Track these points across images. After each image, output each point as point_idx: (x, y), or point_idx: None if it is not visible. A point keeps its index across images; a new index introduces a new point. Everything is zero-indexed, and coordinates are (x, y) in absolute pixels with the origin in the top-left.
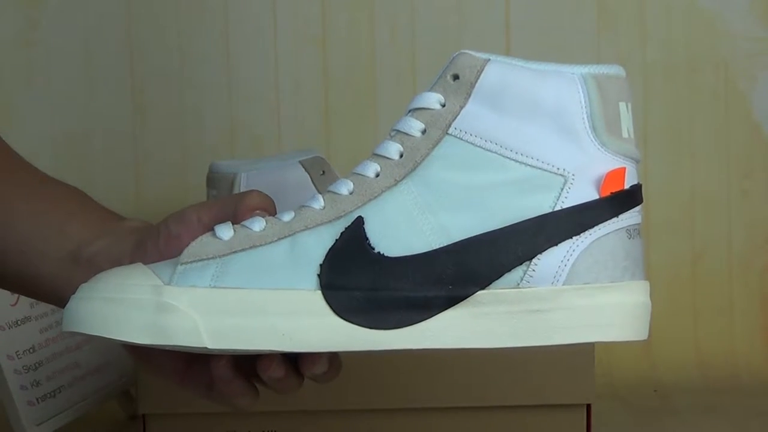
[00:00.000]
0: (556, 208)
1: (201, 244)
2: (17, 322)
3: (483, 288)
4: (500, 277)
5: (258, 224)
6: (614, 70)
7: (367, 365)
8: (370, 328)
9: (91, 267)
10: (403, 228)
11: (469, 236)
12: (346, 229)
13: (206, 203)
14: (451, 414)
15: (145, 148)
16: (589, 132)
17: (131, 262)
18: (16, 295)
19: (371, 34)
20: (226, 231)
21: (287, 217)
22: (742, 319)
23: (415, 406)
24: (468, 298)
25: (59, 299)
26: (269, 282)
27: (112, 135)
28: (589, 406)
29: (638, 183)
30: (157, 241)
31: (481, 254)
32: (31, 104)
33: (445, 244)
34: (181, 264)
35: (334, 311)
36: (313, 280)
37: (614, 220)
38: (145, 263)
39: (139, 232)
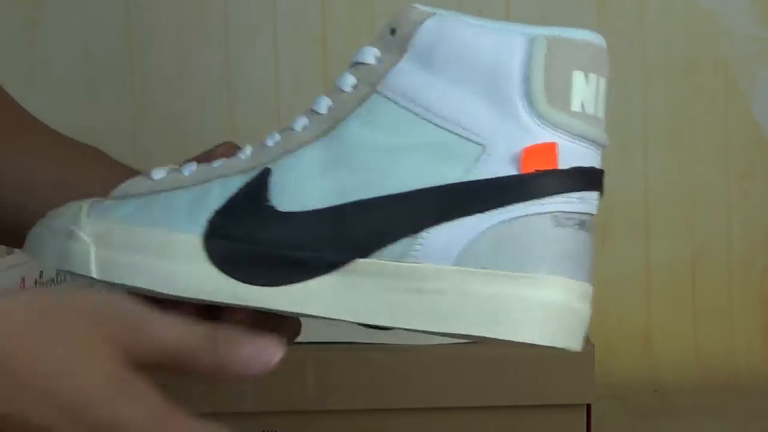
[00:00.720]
0: (464, 180)
1: (133, 182)
2: None
3: (363, 256)
4: (381, 247)
5: (189, 169)
6: (581, 35)
7: (367, 365)
8: (242, 282)
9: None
10: (305, 185)
11: (360, 199)
12: (252, 179)
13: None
14: (451, 414)
15: (145, 148)
16: (522, 99)
17: None
18: None
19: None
20: (158, 172)
21: (217, 163)
22: (742, 319)
23: (415, 406)
24: (346, 265)
25: None
26: (162, 222)
27: (112, 135)
28: (589, 406)
29: (588, 167)
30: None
31: (367, 220)
32: (30, 104)
33: (335, 204)
34: (111, 198)
35: (211, 259)
36: (201, 226)
37: (535, 202)
38: None
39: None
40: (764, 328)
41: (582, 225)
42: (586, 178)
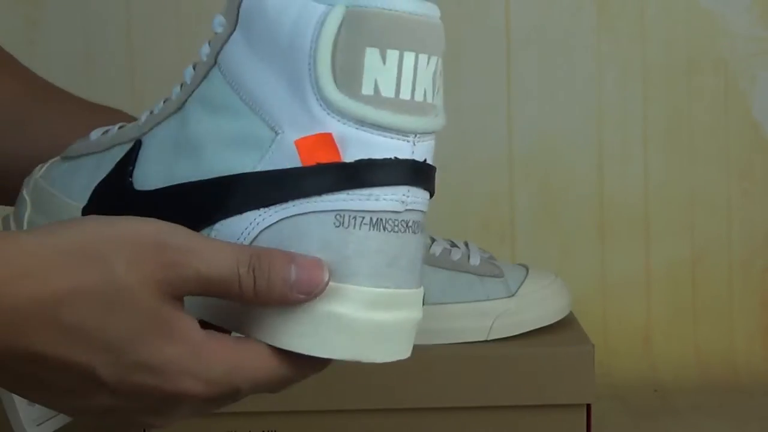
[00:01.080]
0: (256, 169)
1: (77, 143)
2: None
3: None
4: None
5: (114, 128)
6: (386, 3)
7: (366, 365)
8: None
9: None
10: (152, 162)
11: (170, 185)
12: (128, 151)
13: None
14: (451, 414)
15: None
16: (311, 81)
17: None
18: None
19: None
20: (95, 133)
21: (120, 128)
22: (742, 319)
23: (415, 406)
24: None
25: None
26: (67, 188)
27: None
28: (589, 406)
29: (382, 159)
30: None
31: (178, 207)
32: None
33: (162, 186)
34: (62, 157)
35: None
36: (86, 199)
37: (313, 199)
38: None
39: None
40: (764, 328)
41: (379, 225)
42: (379, 172)
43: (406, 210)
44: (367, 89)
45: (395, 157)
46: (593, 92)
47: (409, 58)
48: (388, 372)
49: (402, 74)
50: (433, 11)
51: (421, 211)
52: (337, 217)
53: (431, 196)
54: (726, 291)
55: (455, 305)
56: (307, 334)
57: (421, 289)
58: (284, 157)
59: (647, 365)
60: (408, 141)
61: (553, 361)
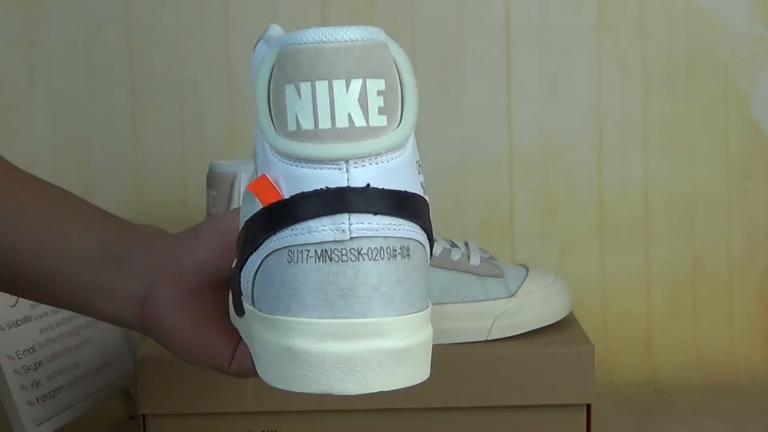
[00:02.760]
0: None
1: None
2: (17, 322)
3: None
4: None
5: None
6: (294, 39)
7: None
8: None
9: (120, 265)
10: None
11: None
12: None
13: (228, 213)
14: (451, 414)
15: (144, 148)
16: (264, 127)
17: (170, 266)
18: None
19: None
20: None
21: None
22: (742, 320)
23: (415, 406)
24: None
25: (81, 298)
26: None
27: (112, 135)
28: (589, 406)
29: (311, 191)
30: (195, 245)
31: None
32: (30, 103)
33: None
34: None
35: None
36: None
37: (272, 238)
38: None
39: (167, 236)
40: (764, 328)
41: (324, 256)
42: (310, 204)
43: (353, 238)
44: (291, 125)
45: (326, 187)
46: (593, 92)
47: (322, 87)
48: None
49: (317, 104)
50: (349, 35)
51: (384, 236)
52: (289, 253)
53: (409, 218)
54: (726, 291)
55: (455, 305)
56: (274, 369)
57: (406, 317)
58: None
59: (647, 365)
60: (339, 169)
61: (553, 361)
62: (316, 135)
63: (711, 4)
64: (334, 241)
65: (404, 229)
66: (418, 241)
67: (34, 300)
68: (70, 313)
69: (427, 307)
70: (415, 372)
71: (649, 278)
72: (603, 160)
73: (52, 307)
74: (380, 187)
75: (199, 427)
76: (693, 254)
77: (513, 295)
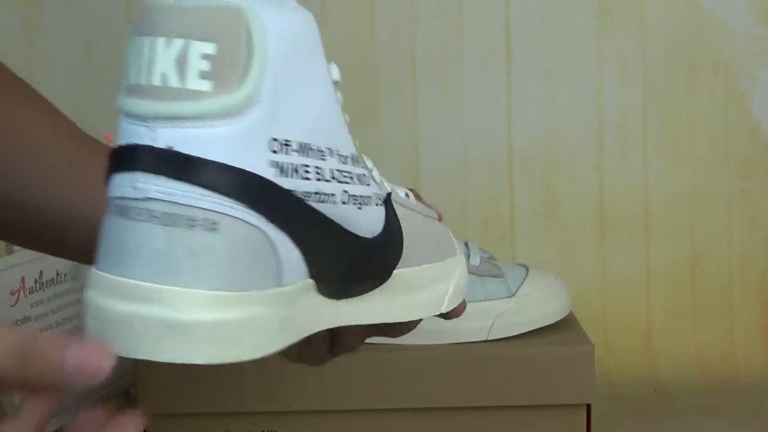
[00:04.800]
0: None
1: None
2: (17, 322)
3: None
4: None
5: None
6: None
7: (367, 365)
8: None
9: None
10: None
11: None
12: None
13: None
14: (451, 414)
15: None
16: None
17: None
18: (16, 295)
19: (371, 34)
20: None
21: None
22: (742, 319)
23: (415, 406)
24: None
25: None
26: None
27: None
28: (589, 406)
29: (116, 147)
30: None
31: None
32: None
33: None
34: None
35: None
36: None
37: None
38: None
39: None
40: (764, 328)
41: (120, 211)
42: (117, 158)
43: (148, 198)
44: (124, 79)
45: (133, 143)
46: (593, 92)
47: (146, 43)
48: (389, 372)
49: (141, 60)
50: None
51: (182, 204)
52: (108, 204)
53: (222, 192)
54: (726, 291)
55: None
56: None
57: (191, 291)
58: None
59: (647, 365)
60: (146, 126)
61: (553, 361)
62: (134, 90)
63: (711, 4)
64: (133, 198)
65: (207, 200)
66: (240, 219)
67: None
68: (71, 312)
69: (244, 291)
70: (205, 351)
71: (649, 278)
72: (603, 160)
73: (52, 307)
74: (190, 153)
75: (199, 427)
76: (693, 254)
77: (513, 295)
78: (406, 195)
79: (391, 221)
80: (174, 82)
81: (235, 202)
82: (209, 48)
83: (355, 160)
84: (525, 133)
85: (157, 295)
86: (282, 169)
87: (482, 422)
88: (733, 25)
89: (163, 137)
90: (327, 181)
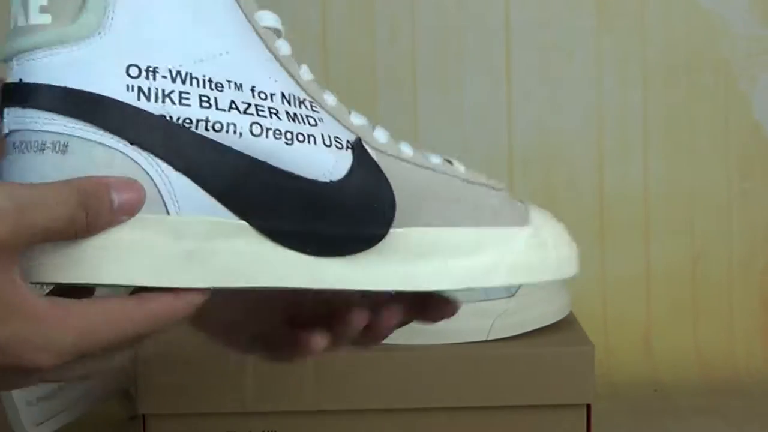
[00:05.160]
0: None
1: None
2: None
3: None
4: None
5: None
6: None
7: (367, 365)
8: None
9: None
10: None
11: None
12: None
13: None
14: (451, 414)
15: None
16: None
17: None
18: None
19: (371, 34)
20: None
21: None
22: (742, 319)
23: (415, 406)
24: None
25: None
26: None
27: None
28: (589, 406)
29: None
30: None
31: None
32: None
33: None
34: None
35: None
36: None
37: None
38: None
39: None
40: (764, 328)
41: (29, 146)
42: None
43: (10, 131)
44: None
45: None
46: (593, 92)
47: None
48: (389, 372)
49: (10, 7)
50: None
51: (32, 129)
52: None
53: (68, 114)
54: (726, 290)
55: None
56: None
57: None
58: None
59: (647, 365)
60: (10, 66)
61: (553, 361)
62: (6, 36)
63: (711, 4)
64: (4, 135)
65: (56, 124)
66: (92, 141)
67: None
68: None
69: None
70: (56, 269)
71: (649, 278)
72: (603, 160)
73: None
74: (34, 81)
75: (199, 427)
76: (693, 254)
77: (513, 295)
78: (448, 161)
79: (363, 168)
80: (21, 21)
81: (84, 123)
82: None
83: (292, 100)
84: (525, 133)
85: None
86: (145, 94)
87: (482, 422)
88: (733, 25)
89: (16, 72)
90: (222, 110)
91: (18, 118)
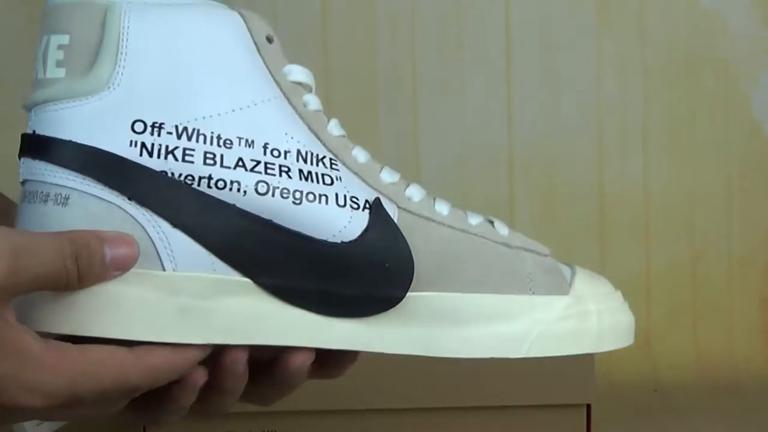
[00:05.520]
0: None
1: None
2: None
3: None
4: None
5: None
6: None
7: (367, 365)
8: None
9: None
10: None
11: None
12: None
13: None
14: (452, 414)
15: None
16: None
17: None
18: None
19: (371, 34)
20: None
21: None
22: (742, 319)
23: (415, 406)
24: None
25: None
26: None
27: None
28: (589, 406)
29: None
30: None
31: None
32: None
33: None
34: None
35: None
36: None
37: None
38: None
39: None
40: (764, 328)
41: (34, 196)
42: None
43: (24, 181)
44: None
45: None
46: (593, 92)
47: (40, 40)
48: (389, 372)
49: (48, 54)
50: None
51: (40, 180)
52: None
53: (70, 167)
54: (726, 290)
55: None
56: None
57: None
58: None
59: (647, 365)
60: (30, 115)
61: (553, 361)
62: (31, 85)
63: (711, 4)
64: (21, 183)
65: (59, 176)
66: (92, 194)
67: None
68: None
69: None
70: (49, 318)
71: (649, 278)
72: (603, 160)
73: None
74: (44, 134)
75: (199, 427)
76: (693, 254)
77: None
78: (489, 222)
79: (379, 229)
80: (41, 73)
81: (85, 177)
82: (64, 39)
83: (309, 157)
84: (525, 133)
85: None
86: (148, 150)
87: (482, 422)
88: (733, 25)
89: (32, 123)
90: (227, 168)
91: (29, 168)
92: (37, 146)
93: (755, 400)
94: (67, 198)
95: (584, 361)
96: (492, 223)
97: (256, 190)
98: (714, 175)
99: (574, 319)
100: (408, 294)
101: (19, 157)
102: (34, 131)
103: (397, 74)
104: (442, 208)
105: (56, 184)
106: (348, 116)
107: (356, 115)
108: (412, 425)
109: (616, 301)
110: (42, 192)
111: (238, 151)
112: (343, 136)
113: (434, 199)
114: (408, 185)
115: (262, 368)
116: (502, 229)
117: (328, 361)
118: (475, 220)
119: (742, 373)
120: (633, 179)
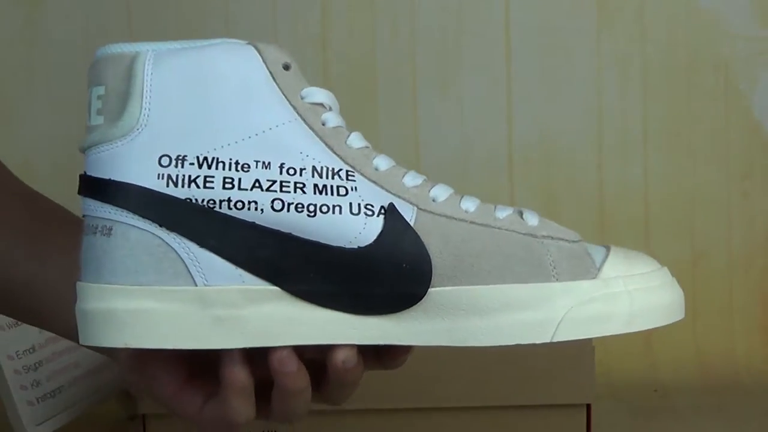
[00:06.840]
0: None
1: None
2: (17, 322)
3: None
4: None
5: None
6: (102, 49)
7: None
8: None
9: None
10: None
11: None
12: None
13: None
14: (451, 414)
15: None
16: None
17: None
18: None
19: (371, 34)
20: None
21: None
22: (742, 319)
23: (415, 406)
24: None
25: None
26: None
27: None
28: (589, 406)
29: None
30: None
31: None
32: (30, 103)
33: None
34: None
35: None
36: None
37: None
38: None
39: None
40: (764, 328)
41: (88, 229)
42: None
43: (84, 215)
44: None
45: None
46: (593, 92)
47: (88, 92)
48: (389, 372)
49: (97, 104)
50: (108, 50)
51: (91, 216)
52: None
53: (111, 202)
54: (726, 291)
55: None
56: None
57: (93, 285)
58: None
59: (647, 365)
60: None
61: (553, 361)
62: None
63: (711, 4)
64: (86, 216)
65: (104, 210)
66: (130, 225)
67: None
68: None
69: (130, 285)
70: (101, 334)
71: None
72: (603, 159)
73: None
74: (91, 174)
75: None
76: (693, 254)
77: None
78: (519, 213)
79: (393, 233)
80: (88, 121)
81: (123, 210)
82: (101, 90)
83: (324, 172)
84: (525, 133)
85: (81, 291)
86: (173, 181)
87: (482, 422)
88: (733, 25)
89: (86, 165)
90: (244, 190)
91: (84, 204)
92: (87, 185)
93: (755, 400)
94: (110, 229)
95: (584, 361)
96: (521, 214)
97: (272, 207)
98: (714, 175)
99: (600, 301)
100: (430, 290)
101: (82, 194)
102: (85, 172)
103: (397, 74)
104: (469, 205)
105: (101, 218)
106: (348, 116)
107: (356, 115)
108: (412, 425)
109: (655, 280)
110: (92, 225)
111: (255, 173)
112: (366, 147)
113: (461, 197)
114: (433, 186)
115: (323, 369)
116: (531, 220)
117: (381, 353)
118: (502, 213)
119: (742, 373)
120: (633, 179)
